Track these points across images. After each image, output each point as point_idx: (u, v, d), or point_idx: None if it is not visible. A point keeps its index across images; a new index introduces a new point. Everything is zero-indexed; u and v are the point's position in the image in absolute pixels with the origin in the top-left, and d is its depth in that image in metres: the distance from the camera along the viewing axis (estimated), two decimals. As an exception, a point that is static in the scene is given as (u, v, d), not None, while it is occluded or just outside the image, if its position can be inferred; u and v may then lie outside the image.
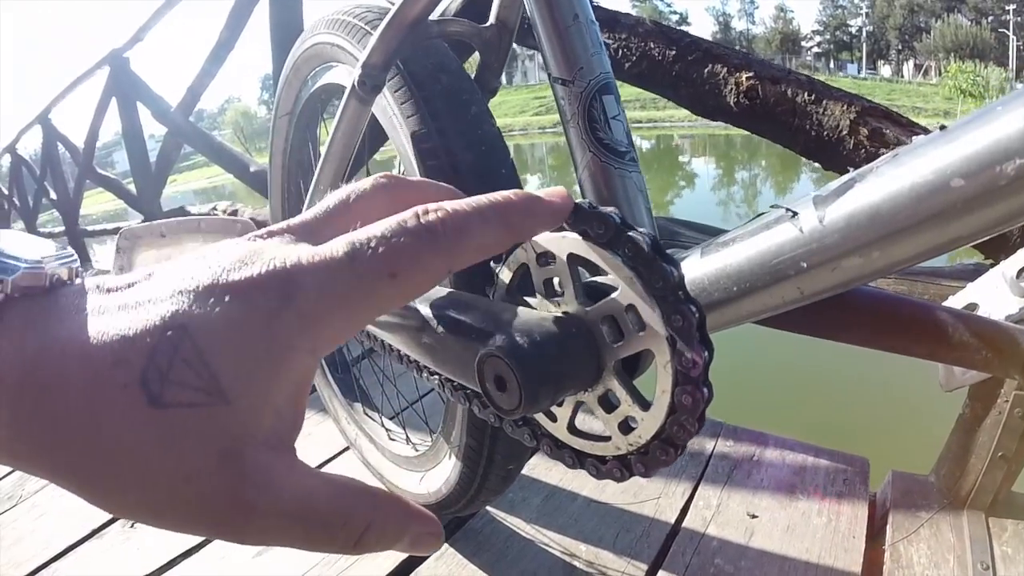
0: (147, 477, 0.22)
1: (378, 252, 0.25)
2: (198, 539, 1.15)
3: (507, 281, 0.39)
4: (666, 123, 31.94)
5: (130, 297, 0.24)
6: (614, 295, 0.33)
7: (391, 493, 0.27)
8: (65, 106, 4.33)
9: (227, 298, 0.23)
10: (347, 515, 0.25)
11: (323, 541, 0.25)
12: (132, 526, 1.23)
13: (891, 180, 0.30)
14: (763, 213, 0.36)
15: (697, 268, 0.38)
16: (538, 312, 0.37)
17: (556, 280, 0.36)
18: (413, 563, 1.04)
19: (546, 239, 0.35)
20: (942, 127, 0.30)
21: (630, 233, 0.31)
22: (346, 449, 1.33)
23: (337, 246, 0.25)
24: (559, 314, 0.36)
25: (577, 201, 0.34)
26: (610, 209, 0.32)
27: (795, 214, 0.33)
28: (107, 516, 1.23)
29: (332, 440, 1.36)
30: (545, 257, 0.36)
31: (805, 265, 0.33)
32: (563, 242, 0.34)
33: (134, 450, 0.22)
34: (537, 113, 37.41)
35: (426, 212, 0.26)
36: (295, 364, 0.24)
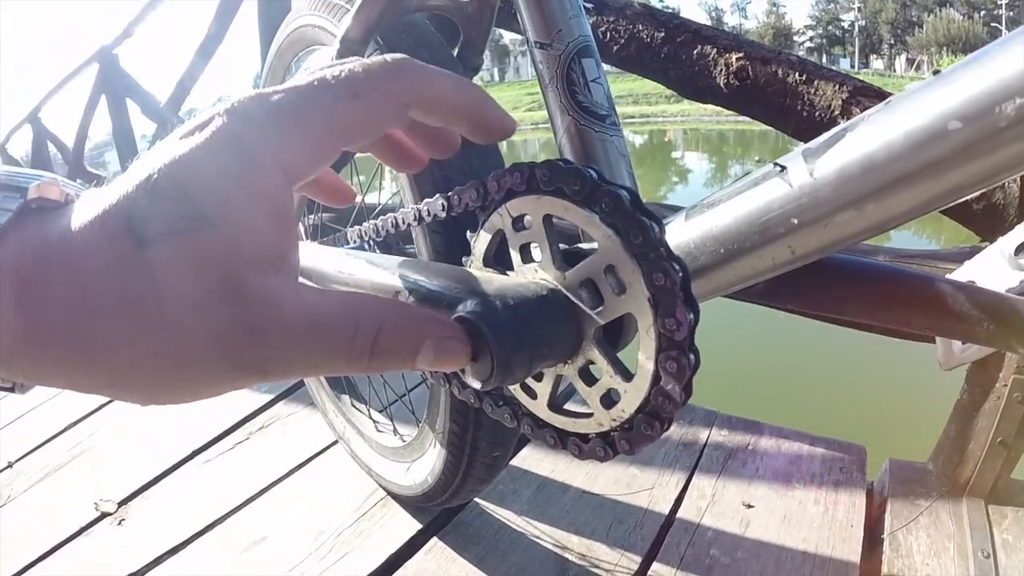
0: (154, 321, 0.22)
1: (341, 76, 0.26)
2: (185, 535, 1.14)
3: (483, 250, 0.37)
4: (658, 118, 31.98)
5: (121, 175, 0.24)
6: (592, 256, 0.31)
7: (401, 302, 0.27)
8: (56, 105, 4.29)
9: (201, 131, 0.24)
10: (357, 319, 0.25)
11: (341, 351, 0.25)
12: (120, 523, 1.21)
13: (884, 127, 0.28)
14: (751, 172, 0.34)
15: (682, 232, 0.36)
16: (512, 278, 0.35)
17: (533, 246, 0.34)
18: (402, 557, 1.02)
19: (521, 201, 0.33)
20: (936, 72, 0.28)
21: (607, 187, 0.29)
22: (335, 443, 1.32)
23: (305, 76, 0.26)
24: (535, 280, 0.34)
25: (552, 159, 0.32)
26: (585, 166, 0.30)
27: (784, 168, 0.31)
28: (95, 513, 1.22)
29: (320, 434, 1.35)
30: (520, 221, 0.34)
31: (796, 222, 0.31)
32: (538, 203, 0.32)
33: (134, 298, 0.22)
34: (530, 109, 37.37)
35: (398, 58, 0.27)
36: (268, 183, 0.24)
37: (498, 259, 0.37)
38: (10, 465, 1.47)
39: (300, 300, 0.24)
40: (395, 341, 0.25)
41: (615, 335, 0.34)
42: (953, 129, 0.26)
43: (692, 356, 0.29)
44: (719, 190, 0.36)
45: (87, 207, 0.23)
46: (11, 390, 0.26)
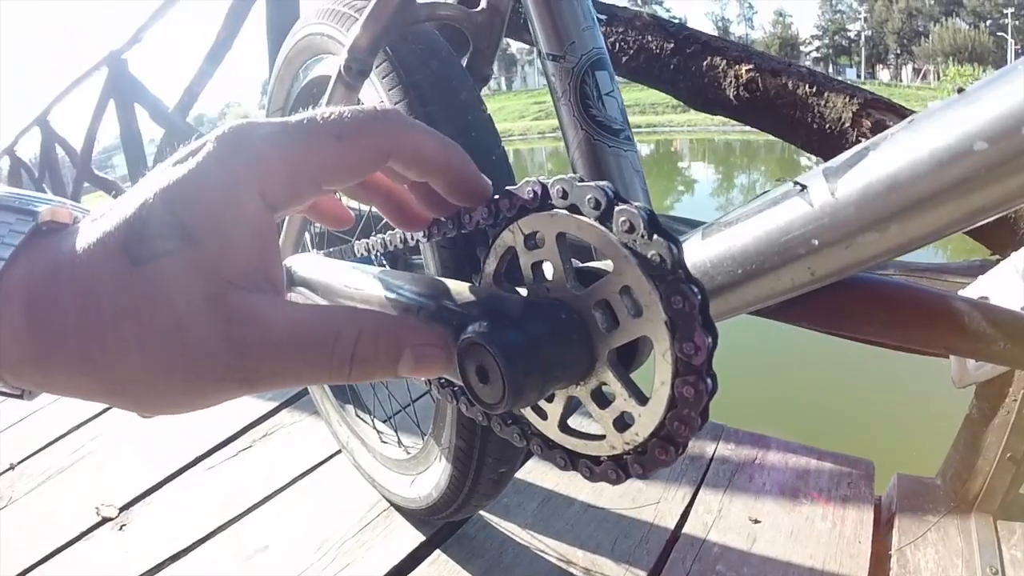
0: (144, 333, 0.24)
1: (329, 119, 0.27)
2: (187, 542, 1.13)
3: (493, 268, 0.37)
4: (665, 127, 31.95)
5: (125, 192, 0.26)
6: (607, 277, 0.30)
7: (380, 312, 0.29)
8: (64, 109, 4.31)
9: (193, 157, 0.25)
10: (336, 330, 0.26)
11: (321, 361, 0.26)
12: (121, 528, 1.21)
13: (908, 147, 0.27)
14: (769, 190, 0.34)
15: (698, 251, 0.35)
16: (523, 297, 0.34)
17: (546, 265, 0.34)
18: (404, 569, 1.01)
19: (533, 218, 0.33)
20: (960, 90, 0.28)
21: (623, 206, 0.28)
22: (338, 452, 1.31)
23: (298, 115, 0.27)
24: (547, 300, 0.33)
25: (566, 176, 0.31)
26: (601, 183, 0.29)
27: (804, 188, 0.30)
28: (96, 518, 1.22)
29: (324, 443, 1.35)
30: (532, 239, 0.33)
31: (817, 243, 0.30)
32: (551, 220, 0.32)
33: (128, 312, 0.24)
34: (537, 118, 37.42)
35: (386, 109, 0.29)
36: (249, 208, 0.26)
37: (509, 276, 0.37)
38: (12, 467, 1.47)
39: (281, 314, 0.26)
40: (374, 350, 0.27)
41: (628, 356, 0.33)
42: (979, 150, 0.25)
43: (710, 381, 0.28)
44: (736, 208, 0.35)
45: (92, 227, 0.25)
46: (19, 397, 0.27)
